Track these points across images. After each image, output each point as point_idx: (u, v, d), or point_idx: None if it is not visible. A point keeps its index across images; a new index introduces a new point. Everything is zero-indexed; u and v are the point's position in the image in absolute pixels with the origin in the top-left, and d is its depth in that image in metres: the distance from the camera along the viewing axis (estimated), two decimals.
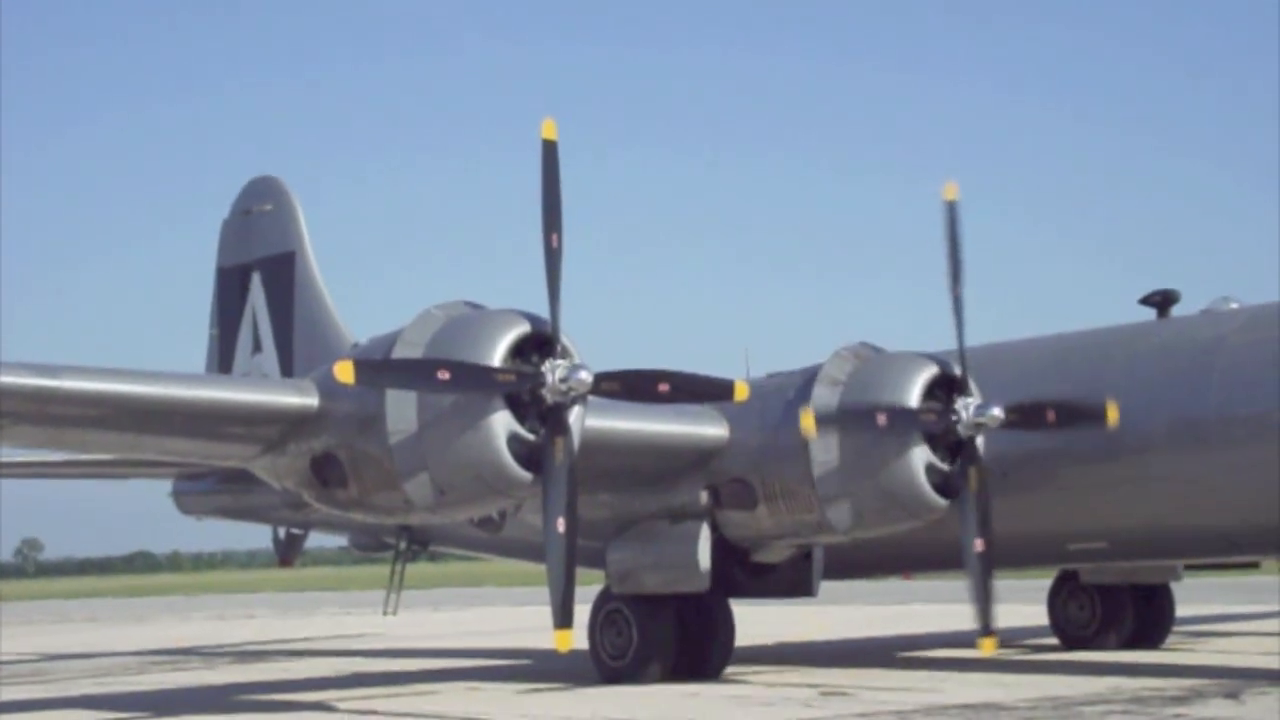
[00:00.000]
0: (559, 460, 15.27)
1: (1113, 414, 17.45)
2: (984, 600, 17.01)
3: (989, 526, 17.08)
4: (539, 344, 15.54)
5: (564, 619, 15.38)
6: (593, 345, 16.00)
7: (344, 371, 14.70)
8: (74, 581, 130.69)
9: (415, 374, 15.11)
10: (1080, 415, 17.59)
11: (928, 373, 17.51)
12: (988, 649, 17.06)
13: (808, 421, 16.85)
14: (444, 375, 14.93)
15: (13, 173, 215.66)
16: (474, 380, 15.10)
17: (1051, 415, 17.53)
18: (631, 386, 16.03)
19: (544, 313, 15.54)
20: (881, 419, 16.88)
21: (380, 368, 15.18)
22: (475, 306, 15.96)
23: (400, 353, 15.45)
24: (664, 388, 16.10)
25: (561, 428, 15.32)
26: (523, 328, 15.53)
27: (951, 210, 17.50)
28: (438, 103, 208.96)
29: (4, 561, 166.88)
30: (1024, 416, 17.52)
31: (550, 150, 15.47)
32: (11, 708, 18.06)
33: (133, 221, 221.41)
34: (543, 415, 15.37)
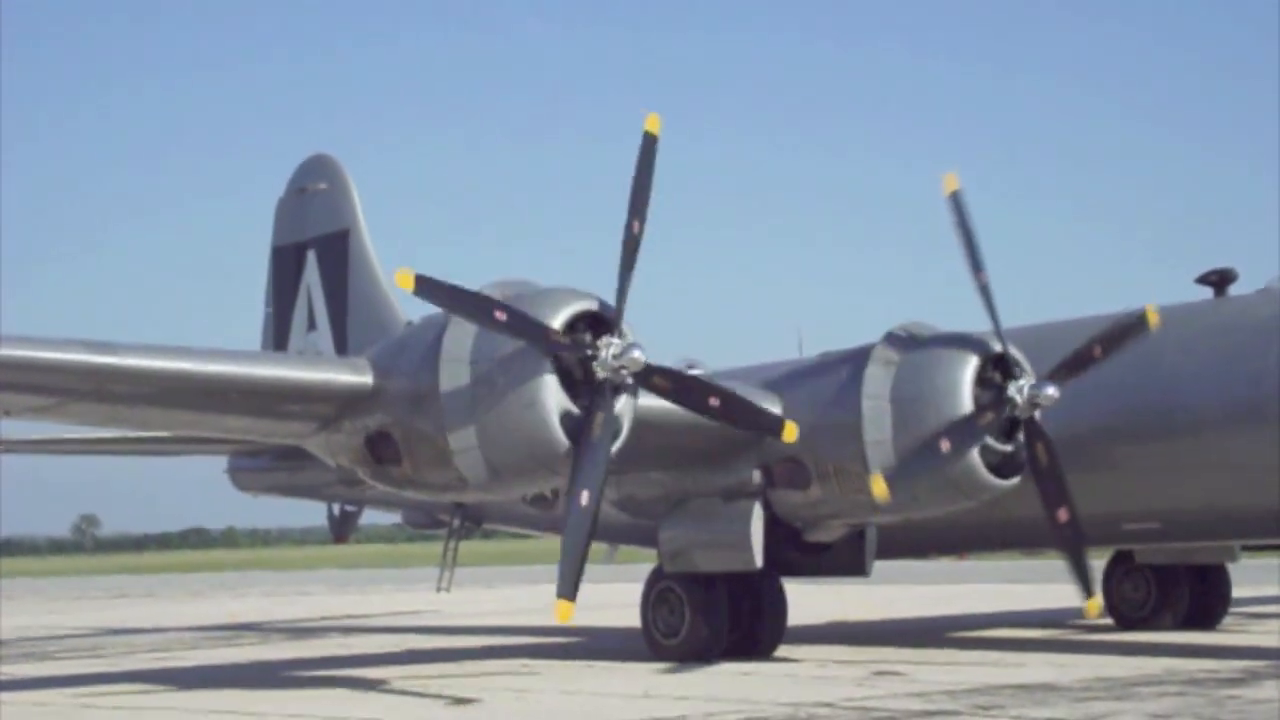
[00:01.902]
0: (596, 434, 15.31)
1: (1153, 318, 17.29)
2: (1081, 566, 16.98)
3: (1068, 495, 17.00)
4: (599, 324, 15.61)
5: (569, 590, 15.33)
6: (644, 322, 16.08)
7: (404, 279, 14.82)
8: (131, 558, 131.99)
9: (473, 305, 15.15)
10: (1123, 334, 17.38)
11: (979, 357, 17.39)
12: (1093, 611, 17.18)
13: (879, 488, 16.81)
14: (500, 315, 15.04)
15: (73, 154, 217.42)
16: (527, 330, 15.14)
17: (1098, 350, 17.34)
18: (681, 389, 16.12)
19: (609, 295, 15.66)
20: (945, 445, 16.75)
21: (440, 285, 15.08)
22: (523, 286, 16.00)
23: (454, 330, 15.52)
24: (714, 402, 16.19)
25: (605, 403, 15.38)
26: (586, 304, 15.64)
27: (956, 201, 17.33)
28: (494, 81, 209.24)
29: (63, 538, 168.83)
30: (1071, 368, 17.34)
31: (650, 143, 15.64)
32: (71, 681, 18.27)
33: (190, 201, 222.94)
34: (591, 390, 15.44)
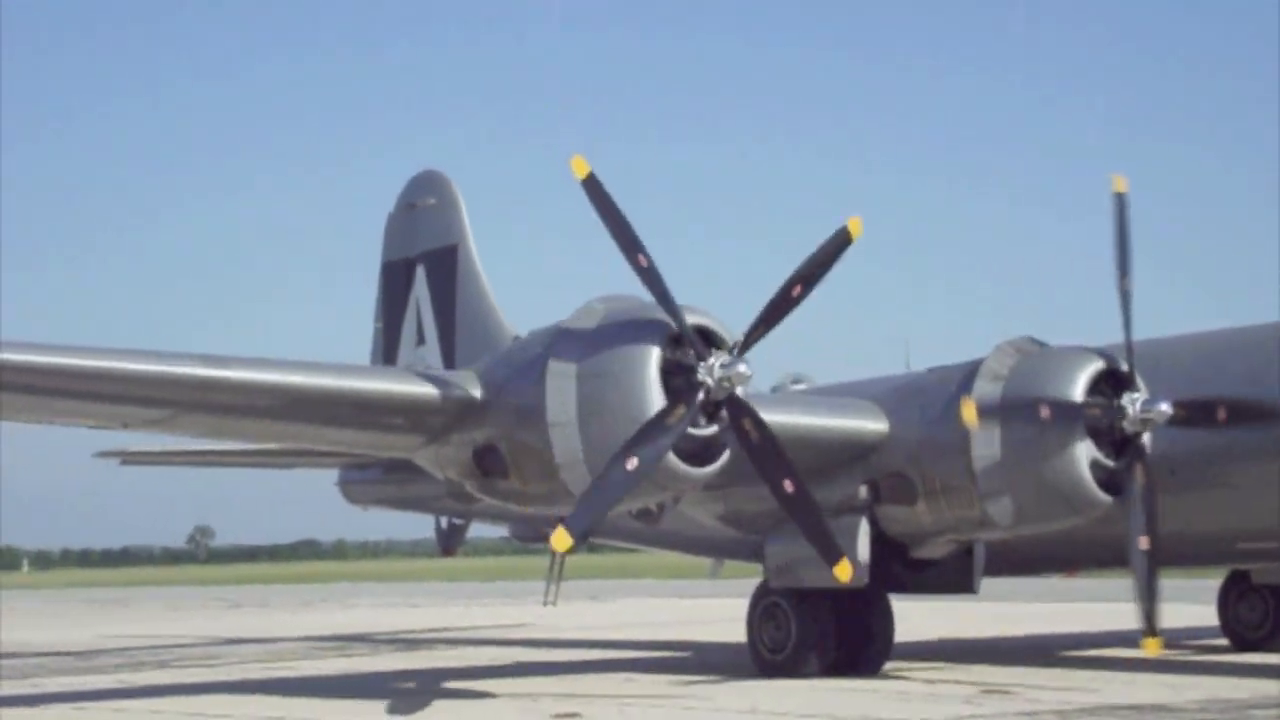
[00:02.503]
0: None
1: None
2: (1149, 599, 16.66)
3: (1155, 524, 16.72)
4: (706, 339, 15.68)
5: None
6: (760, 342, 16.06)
7: (580, 166, 15.40)
8: (244, 568, 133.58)
9: (623, 234, 15.44)
10: (1253, 414, 17.15)
11: (1093, 367, 17.20)
12: (1152, 650, 16.67)
13: (969, 411, 16.66)
14: (642, 261, 15.35)
15: (191, 170, 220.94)
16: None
17: (1223, 413, 17.12)
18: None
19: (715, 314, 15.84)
20: (1045, 411, 16.63)
21: (604, 193, 15.52)
22: (622, 300, 16.04)
23: (560, 344, 15.60)
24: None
25: (743, 410, 15.48)
26: (656, 349, 15.54)
27: (1120, 203, 17.21)
28: (605, 91, 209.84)
29: (177, 548, 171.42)
30: (1193, 413, 17.13)
31: (843, 240, 15.99)
32: (184, 690, 18.52)
33: (301, 218, 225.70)
34: (710, 409, 15.46)
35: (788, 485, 16.00)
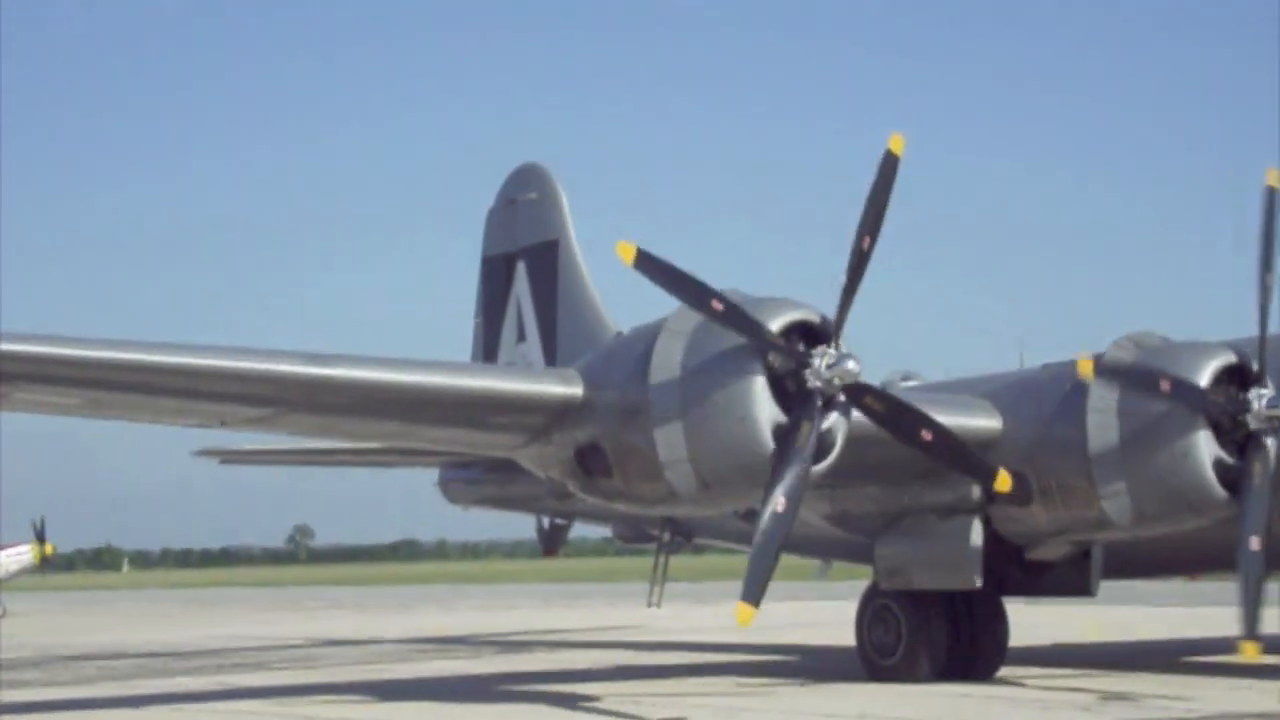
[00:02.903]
0: (800, 442, 15.25)
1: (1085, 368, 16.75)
2: (1253, 603, 16.36)
3: (1266, 524, 16.43)
4: (816, 337, 15.66)
5: (753, 595, 15.39)
6: (861, 334, 16.01)
7: (625, 251, 15.26)
8: (343, 569, 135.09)
9: (690, 289, 15.43)
10: None
11: (1221, 359, 16.94)
12: (1250, 654, 16.36)
13: (1085, 367, 16.48)
14: (716, 305, 15.30)
15: (293, 170, 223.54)
16: (743, 324, 15.31)
17: None
18: (892, 414, 16.06)
19: (829, 311, 15.80)
20: (1165, 384, 16.38)
21: (659, 262, 15.46)
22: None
23: (663, 342, 15.62)
24: (926, 436, 16.05)
25: (812, 411, 15.35)
26: (804, 314, 15.70)
27: (1271, 197, 16.94)
28: (709, 85, 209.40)
29: (277, 548, 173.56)
30: None
31: (891, 162, 15.68)
32: (283, 691, 18.74)
33: (402, 215, 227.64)
34: (802, 400, 15.41)
35: (925, 435, 16.06)
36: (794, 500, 15.25)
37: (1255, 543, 16.34)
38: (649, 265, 15.46)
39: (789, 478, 15.24)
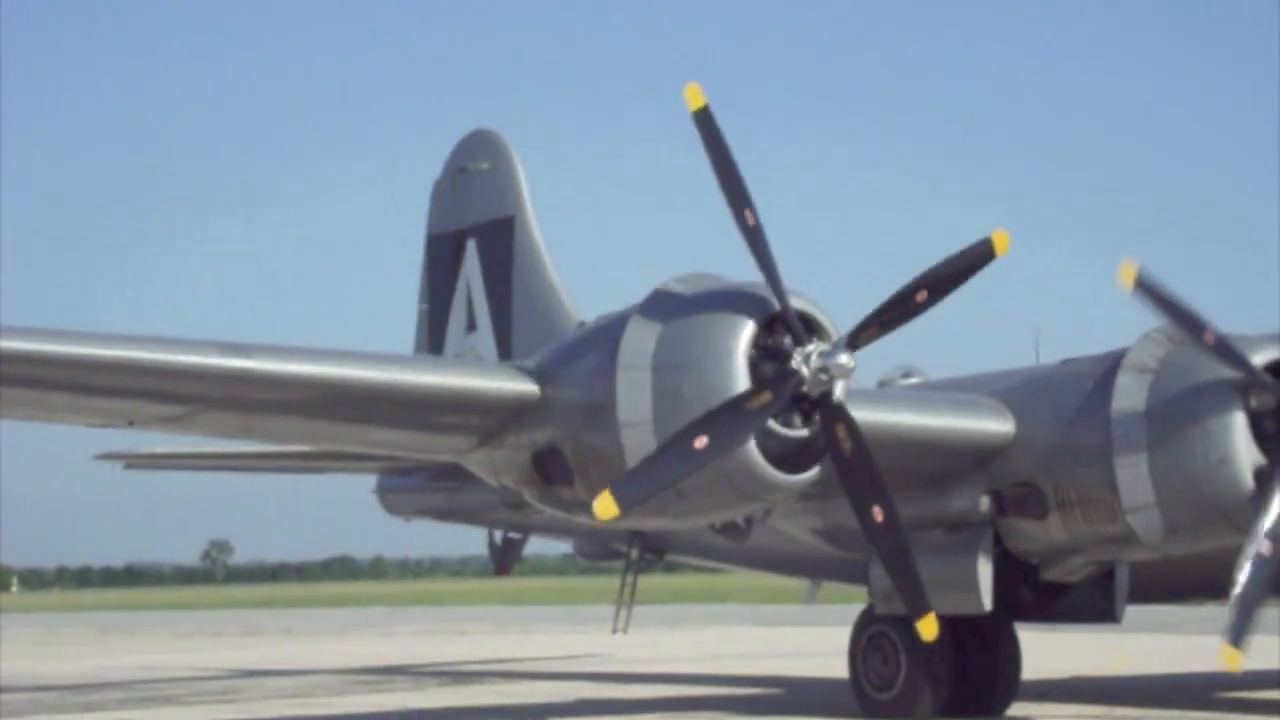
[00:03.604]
0: (849, 448, 15.46)
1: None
2: (1247, 611, 16.42)
3: None
4: (782, 323, 15.66)
5: (920, 606, 15.82)
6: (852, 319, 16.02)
7: (605, 509, 15.05)
8: (267, 589, 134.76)
9: (674, 462, 15.22)
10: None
11: (1270, 353, 17.04)
12: (1231, 663, 16.43)
13: (1128, 272, 16.69)
14: (702, 442, 15.15)
15: (200, 130, 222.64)
16: (731, 426, 15.21)
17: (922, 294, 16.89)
18: (890, 319, 16.04)
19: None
20: (1209, 336, 16.46)
21: (636, 479, 15.28)
22: (703, 282, 16.01)
23: (626, 353, 15.62)
24: (922, 296, 16.03)
25: (838, 414, 15.54)
26: (749, 327, 15.60)
27: None
28: (674, 56, 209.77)
29: (191, 566, 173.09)
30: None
31: (704, 120, 15.73)
32: None
33: (334, 186, 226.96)
34: (806, 409, 15.49)
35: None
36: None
37: (1268, 547, 16.46)
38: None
39: (862, 485, 15.66)
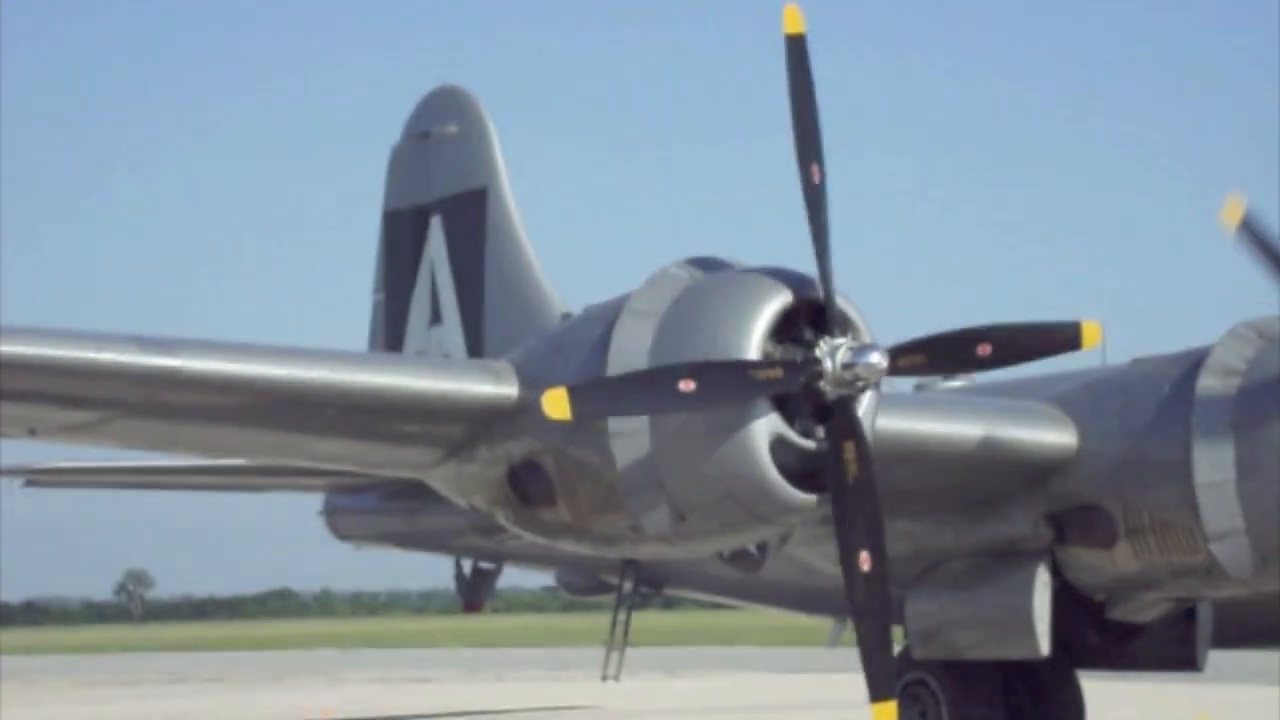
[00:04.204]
0: (853, 472, 15.32)
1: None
2: None
3: None
4: (810, 315, 15.55)
5: (882, 688, 15.44)
6: (886, 312, 16.02)
7: (555, 405, 14.92)
8: (192, 629, 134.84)
9: (649, 391, 15.19)
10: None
11: None
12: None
13: (1233, 211, 16.77)
14: (688, 386, 15.07)
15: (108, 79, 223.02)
16: (726, 386, 15.17)
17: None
18: (940, 357, 15.96)
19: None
20: None
21: (602, 391, 15.27)
22: (714, 266, 15.98)
23: (627, 322, 15.62)
24: (984, 350, 15.93)
25: (850, 428, 15.36)
26: (784, 297, 15.51)
27: None
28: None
29: (104, 601, 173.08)
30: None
31: (796, 48, 15.64)
32: None
33: (276, 151, 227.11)
34: (821, 413, 15.40)
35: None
36: (879, 550, 15.30)
37: None
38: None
39: (854, 523, 15.44)
